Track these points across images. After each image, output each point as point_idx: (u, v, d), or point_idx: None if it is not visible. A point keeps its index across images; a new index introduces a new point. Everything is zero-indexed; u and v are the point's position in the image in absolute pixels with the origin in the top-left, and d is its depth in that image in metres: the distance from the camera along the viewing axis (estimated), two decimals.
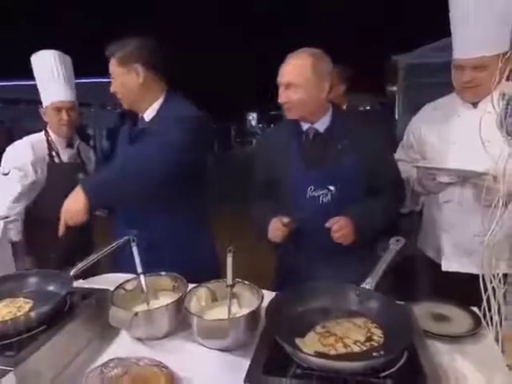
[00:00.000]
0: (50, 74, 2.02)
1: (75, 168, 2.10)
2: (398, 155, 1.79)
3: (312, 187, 1.49)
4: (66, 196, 1.48)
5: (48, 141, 2.06)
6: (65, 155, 2.09)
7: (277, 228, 1.48)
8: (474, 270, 1.47)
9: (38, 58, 2.05)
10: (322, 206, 1.49)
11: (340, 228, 1.42)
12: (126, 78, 1.60)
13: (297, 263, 1.54)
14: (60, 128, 2.05)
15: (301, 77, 1.44)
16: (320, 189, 1.49)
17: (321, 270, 1.43)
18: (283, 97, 1.49)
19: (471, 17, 1.39)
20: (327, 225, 1.43)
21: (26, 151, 1.98)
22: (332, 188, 1.49)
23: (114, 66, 1.59)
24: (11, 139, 2.27)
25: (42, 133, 2.08)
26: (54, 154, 2.05)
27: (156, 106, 1.64)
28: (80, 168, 2.13)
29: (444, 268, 1.61)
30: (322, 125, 1.54)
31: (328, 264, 1.46)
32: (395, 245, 1.16)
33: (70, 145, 2.12)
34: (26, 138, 2.08)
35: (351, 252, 1.47)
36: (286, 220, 1.46)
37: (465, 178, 1.47)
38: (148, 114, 1.64)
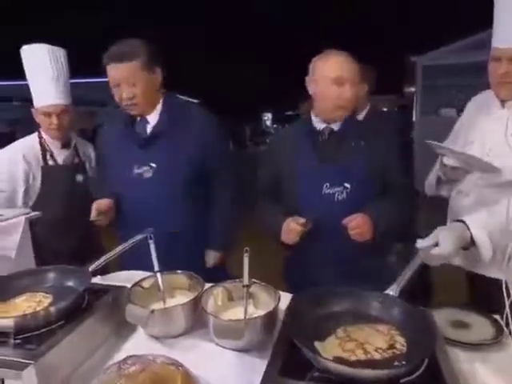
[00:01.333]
0: (40, 72, 1.86)
1: (72, 169, 1.98)
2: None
3: (327, 184, 1.48)
4: (64, 198, 1.53)
5: (41, 143, 1.94)
6: (60, 157, 1.96)
7: (292, 229, 1.44)
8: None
9: (28, 52, 1.89)
10: (337, 204, 1.48)
11: (358, 225, 1.40)
12: (149, 83, 1.57)
13: (308, 263, 1.53)
14: (51, 132, 1.92)
15: (354, 74, 1.45)
16: (336, 186, 1.48)
17: (333, 270, 1.45)
18: (350, 93, 1.44)
19: None
20: (344, 221, 1.41)
21: (15, 164, 1.86)
22: (348, 185, 1.47)
23: (134, 71, 1.52)
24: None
25: (35, 134, 1.97)
26: (48, 156, 1.94)
27: (159, 107, 1.64)
28: (78, 168, 2.00)
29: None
30: (337, 123, 1.53)
31: (341, 264, 1.47)
32: (421, 253, 1.12)
33: (65, 145, 1.99)
34: (16, 146, 1.96)
35: (365, 251, 1.45)
36: (302, 220, 1.43)
37: (469, 164, 1.40)
38: (152, 117, 1.63)
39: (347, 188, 1.47)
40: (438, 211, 1.75)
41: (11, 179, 1.87)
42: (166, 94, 1.69)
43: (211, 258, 1.79)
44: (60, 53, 1.92)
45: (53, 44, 1.90)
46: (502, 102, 1.45)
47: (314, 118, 1.56)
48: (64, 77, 1.92)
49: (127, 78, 1.52)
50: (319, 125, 1.54)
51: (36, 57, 1.86)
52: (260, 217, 1.67)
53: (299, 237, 1.44)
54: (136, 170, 1.61)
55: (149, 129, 1.63)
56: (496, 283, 1.21)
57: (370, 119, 2.16)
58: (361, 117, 2.16)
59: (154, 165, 1.60)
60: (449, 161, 1.41)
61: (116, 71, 1.52)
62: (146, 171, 1.60)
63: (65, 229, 1.92)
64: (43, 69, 1.86)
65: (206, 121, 1.72)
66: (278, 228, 1.49)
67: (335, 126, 1.53)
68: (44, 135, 1.96)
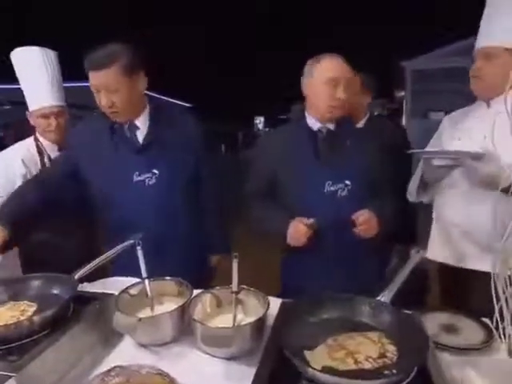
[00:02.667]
0: (34, 75, 1.84)
1: None
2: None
3: (330, 182, 1.49)
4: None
5: (38, 146, 1.93)
6: None
7: (299, 231, 1.43)
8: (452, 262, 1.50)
9: (19, 55, 1.86)
10: (340, 200, 1.49)
11: (365, 220, 1.41)
12: (132, 89, 1.50)
13: (308, 262, 1.52)
14: (48, 134, 1.91)
15: (347, 76, 1.49)
16: (338, 183, 1.49)
17: (333, 268, 1.48)
18: (343, 93, 1.47)
19: (498, 5, 1.39)
20: (353, 217, 1.42)
21: (12, 168, 1.85)
22: (348, 182, 1.49)
23: (113, 77, 1.44)
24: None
25: (32, 138, 1.95)
26: (45, 159, 1.92)
27: (146, 111, 1.60)
28: None
29: (428, 255, 1.57)
30: (332, 123, 1.56)
31: (341, 261, 1.49)
32: (415, 256, 1.12)
33: (63, 148, 1.90)
34: (14, 150, 1.94)
35: (366, 249, 1.48)
36: (309, 221, 1.42)
37: (458, 160, 1.40)
38: (141, 122, 1.58)
39: (348, 185, 1.49)
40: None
41: (8, 184, 1.83)
42: (151, 97, 1.66)
43: (214, 261, 1.82)
44: (52, 54, 1.91)
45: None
46: (488, 103, 1.48)
47: (308, 119, 1.58)
48: (58, 78, 1.91)
49: (106, 85, 1.44)
50: (315, 125, 1.56)
51: (29, 59, 1.84)
52: (257, 221, 1.64)
53: (307, 238, 1.43)
54: (137, 178, 1.55)
55: (141, 134, 1.58)
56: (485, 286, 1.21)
57: (369, 124, 2.19)
58: (360, 124, 2.18)
59: (156, 171, 1.56)
60: (438, 161, 1.43)
61: (95, 78, 1.45)
62: (149, 178, 1.56)
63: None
64: (38, 71, 1.84)
65: (194, 124, 1.72)
66: (283, 231, 1.47)
67: (331, 126, 1.55)
68: (41, 138, 1.94)
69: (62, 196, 1.58)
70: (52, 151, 1.94)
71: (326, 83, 1.47)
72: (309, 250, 1.47)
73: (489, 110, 1.47)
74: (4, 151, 1.94)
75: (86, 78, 1.49)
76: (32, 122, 1.93)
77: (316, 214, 1.44)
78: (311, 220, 1.42)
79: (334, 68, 1.47)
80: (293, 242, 1.47)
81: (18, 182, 1.83)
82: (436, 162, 1.44)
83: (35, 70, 1.85)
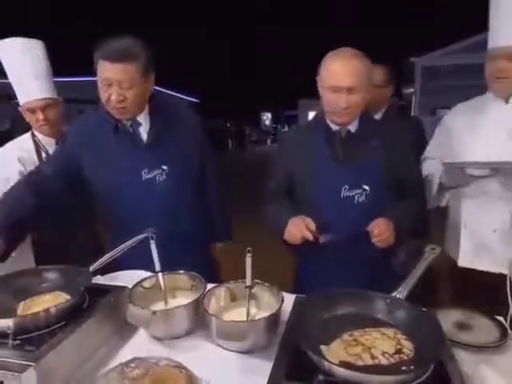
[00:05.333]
0: (17, 67, 1.78)
1: None
2: (426, 153, 1.76)
3: (346, 187, 1.43)
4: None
5: (35, 141, 1.89)
6: None
7: (299, 229, 1.34)
8: (491, 268, 1.49)
9: (4, 47, 1.79)
10: (357, 207, 1.43)
11: (382, 231, 1.34)
12: (144, 88, 1.48)
13: (323, 269, 1.47)
14: (40, 128, 1.86)
15: (361, 79, 1.35)
16: (355, 188, 1.43)
17: (348, 274, 1.38)
18: (345, 102, 1.36)
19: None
20: (368, 228, 1.35)
21: (9, 165, 1.81)
22: (367, 188, 1.42)
23: (131, 74, 1.40)
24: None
25: (29, 134, 1.92)
26: (43, 154, 1.88)
27: (146, 108, 1.58)
28: None
29: (460, 263, 1.58)
30: (354, 125, 1.48)
31: (356, 267, 1.43)
32: (430, 253, 1.10)
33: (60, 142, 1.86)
34: (10, 147, 1.90)
35: (381, 255, 1.41)
36: (313, 227, 1.33)
37: (497, 170, 1.42)
38: (142, 119, 1.56)
39: (366, 190, 1.42)
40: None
41: (5, 182, 1.77)
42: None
43: (217, 252, 1.84)
44: (38, 45, 1.83)
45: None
46: (506, 99, 1.48)
47: (327, 119, 1.50)
48: (43, 70, 1.83)
49: (122, 80, 1.39)
50: (334, 126, 1.48)
51: (11, 52, 1.78)
52: (266, 215, 1.57)
53: (302, 239, 1.35)
54: (147, 176, 1.54)
55: (144, 131, 1.56)
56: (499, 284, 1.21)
57: (388, 118, 2.15)
58: (379, 115, 2.16)
59: (165, 167, 1.56)
60: (476, 172, 1.43)
61: (110, 70, 1.38)
62: (159, 174, 1.55)
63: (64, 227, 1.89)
64: (20, 63, 1.77)
65: (195, 118, 1.72)
66: (283, 224, 1.40)
67: (352, 127, 1.47)
68: (37, 133, 1.90)
69: (55, 195, 1.53)
70: (49, 145, 1.90)
71: (328, 88, 1.38)
72: (323, 257, 1.43)
73: (507, 106, 1.47)
74: (0, 149, 1.90)
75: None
76: (25, 118, 1.88)
77: (331, 219, 1.39)
78: (314, 226, 1.32)
79: (338, 73, 1.35)
80: (288, 238, 1.39)
81: (15, 181, 1.76)
82: (473, 172, 1.43)
83: (19, 62, 1.77)
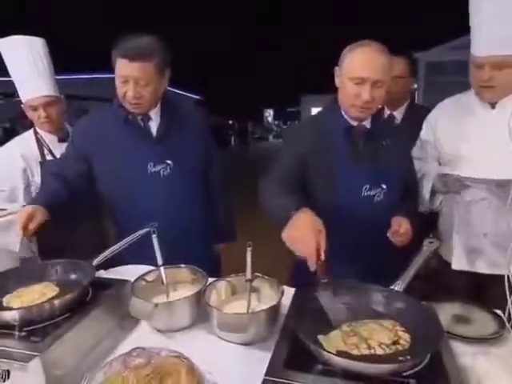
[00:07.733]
0: (19, 65, 1.81)
1: None
2: (414, 153, 1.72)
3: (367, 186, 1.40)
4: None
5: (37, 139, 1.91)
6: (58, 151, 1.89)
7: (306, 245, 1.11)
8: (485, 270, 1.51)
9: (5, 45, 1.82)
10: (375, 206, 1.41)
11: (407, 231, 1.34)
12: (160, 85, 1.53)
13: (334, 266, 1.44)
14: (42, 125, 1.90)
15: (385, 73, 1.34)
16: (375, 187, 1.41)
17: (346, 271, 1.26)
18: (368, 94, 1.32)
19: (494, 12, 1.33)
20: (395, 226, 1.34)
21: (12, 162, 1.84)
22: (384, 186, 1.41)
23: (148, 71, 1.44)
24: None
25: (31, 131, 1.94)
26: (45, 151, 1.90)
27: (159, 104, 1.61)
28: None
29: (454, 266, 1.59)
30: (368, 122, 1.46)
31: (369, 265, 1.37)
32: (428, 246, 1.12)
33: (62, 139, 1.93)
34: (13, 144, 1.94)
35: (395, 252, 1.38)
36: (323, 247, 1.08)
37: (498, 185, 1.42)
38: (154, 114, 1.60)
39: (384, 189, 1.41)
40: None
41: (10, 178, 1.85)
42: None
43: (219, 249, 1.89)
44: (38, 43, 1.85)
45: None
46: (492, 104, 1.47)
47: (344, 114, 1.44)
48: (45, 67, 1.85)
49: (139, 77, 1.44)
50: (352, 121, 1.43)
51: (13, 49, 1.81)
52: (265, 196, 1.31)
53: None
54: (152, 169, 1.57)
55: (154, 126, 1.60)
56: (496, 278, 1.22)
57: (407, 115, 2.16)
58: (400, 110, 2.17)
59: (170, 162, 1.58)
60: (470, 183, 1.44)
61: (129, 68, 1.42)
62: (163, 169, 1.58)
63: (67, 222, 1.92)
64: (22, 61, 1.80)
65: (203, 116, 1.76)
66: (286, 214, 1.15)
67: (367, 124, 1.44)
68: (39, 131, 1.93)
69: (77, 189, 1.57)
70: (52, 142, 1.93)
71: (351, 80, 1.34)
72: (338, 254, 1.29)
73: (494, 112, 1.46)
74: (4, 146, 1.94)
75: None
76: (27, 115, 1.91)
77: (350, 218, 1.37)
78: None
79: (364, 64, 1.32)
80: (288, 238, 1.17)
81: (20, 176, 1.85)
82: (468, 183, 1.44)
83: (19, 60, 1.81)
